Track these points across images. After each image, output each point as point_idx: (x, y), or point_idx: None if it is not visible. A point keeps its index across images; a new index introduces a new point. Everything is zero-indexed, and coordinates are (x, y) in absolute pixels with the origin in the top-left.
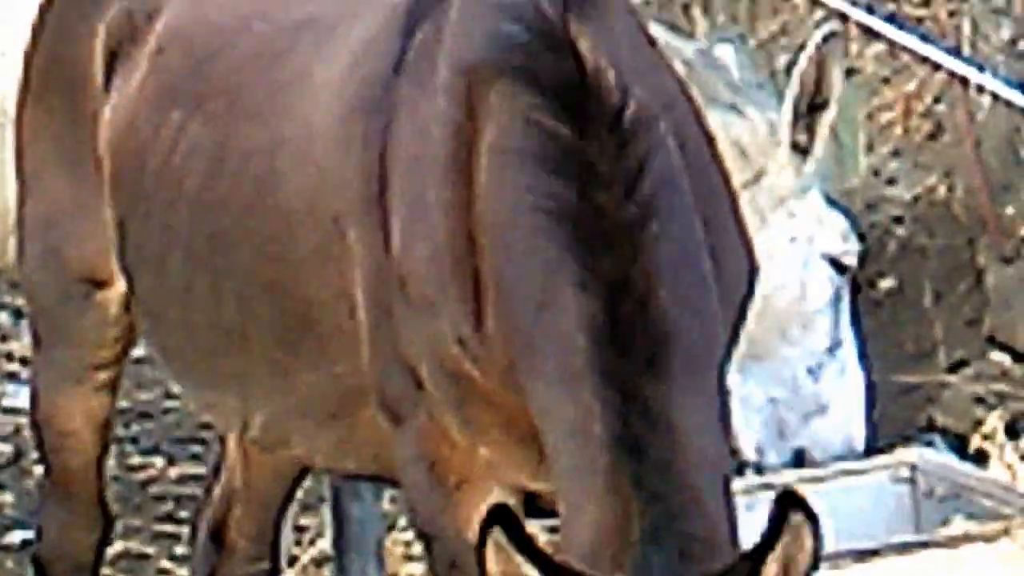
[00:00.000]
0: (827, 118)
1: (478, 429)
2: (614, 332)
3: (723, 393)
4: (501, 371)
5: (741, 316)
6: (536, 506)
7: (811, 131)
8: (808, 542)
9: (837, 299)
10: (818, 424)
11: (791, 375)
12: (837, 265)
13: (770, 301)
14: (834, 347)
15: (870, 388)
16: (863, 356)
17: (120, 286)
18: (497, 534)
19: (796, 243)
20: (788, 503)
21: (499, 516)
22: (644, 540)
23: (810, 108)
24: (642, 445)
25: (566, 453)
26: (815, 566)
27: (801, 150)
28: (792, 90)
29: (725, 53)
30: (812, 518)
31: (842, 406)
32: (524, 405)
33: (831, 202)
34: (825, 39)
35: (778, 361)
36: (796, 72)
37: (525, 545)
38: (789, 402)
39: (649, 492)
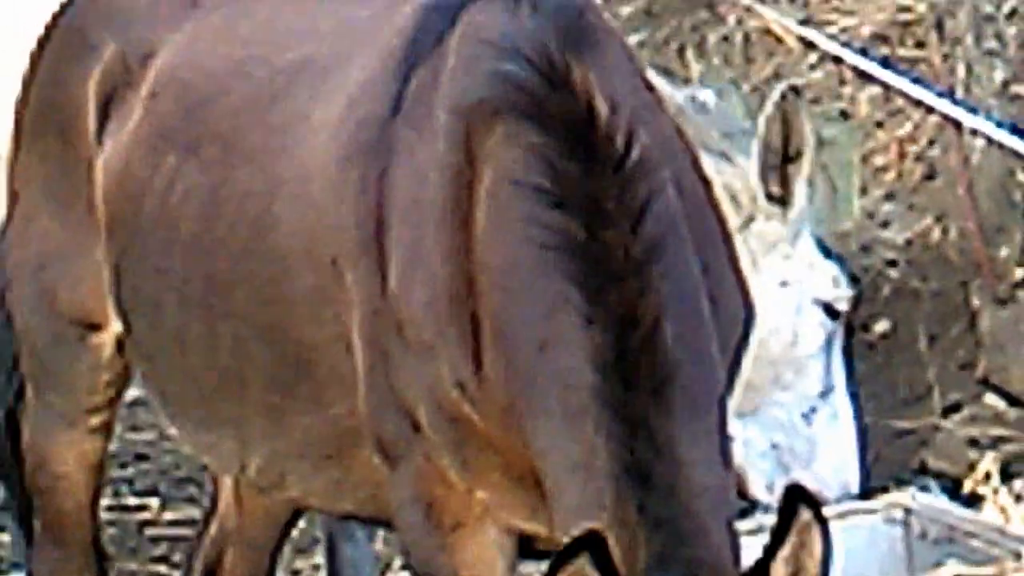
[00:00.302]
0: (802, 169)
1: (476, 471)
2: (621, 366)
3: (723, 429)
4: (500, 413)
5: (737, 358)
6: (532, 548)
7: (785, 183)
8: (817, 547)
9: (829, 344)
10: (814, 468)
11: (788, 420)
12: (829, 310)
13: (763, 346)
14: (826, 392)
15: (862, 432)
16: (855, 399)
17: (113, 329)
18: (584, 562)
19: (788, 288)
20: (797, 498)
21: (589, 544)
22: (651, 567)
23: (785, 159)
24: (648, 474)
25: (569, 490)
26: (827, 573)
27: (779, 200)
28: (758, 147)
29: (711, 99)
30: (821, 519)
31: (835, 450)
32: (522, 447)
33: (822, 247)
34: (783, 95)
35: (773, 406)
36: (759, 129)
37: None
38: (787, 446)
39: (654, 519)
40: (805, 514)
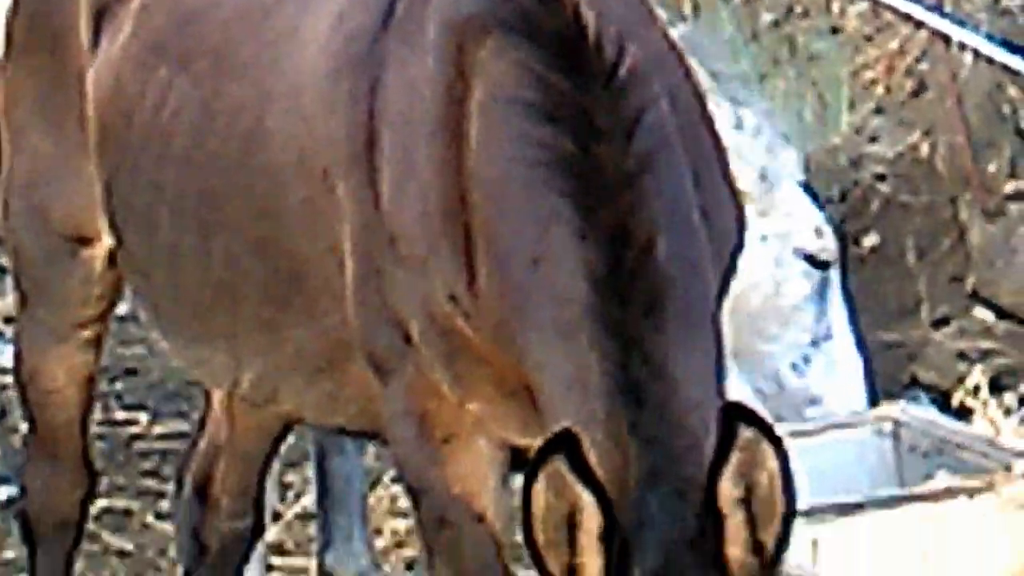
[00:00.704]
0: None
1: (468, 384)
2: (614, 282)
3: (718, 343)
4: (493, 327)
5: (729, 271)
6: (524, 461)
7: None
8: (771, 462)
9: (821, 293)
10: (813, 414)
11: (774, 371)
12: (813, 261)
13: (743, 299)
14: (819, 341)
15: (870, 376)
16: (861, 346)
17: (105, 244)
18: (559, 462)
19: (768, 241)
20: (736, 418)
21: (563, 443)
22: (643, 484)
23: None
24: (641, 392)
25: (563, 406)
26: (788, 489)
27: None
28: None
29: (699, 38)
30: (769, 434)
31: (837, 397)
32: (515, 361)
33: (810, 192)
34: None
35: (756, 357)
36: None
37: (587, 474)
38: (776, 396)
39: (647, 437)
40: (746, 431)
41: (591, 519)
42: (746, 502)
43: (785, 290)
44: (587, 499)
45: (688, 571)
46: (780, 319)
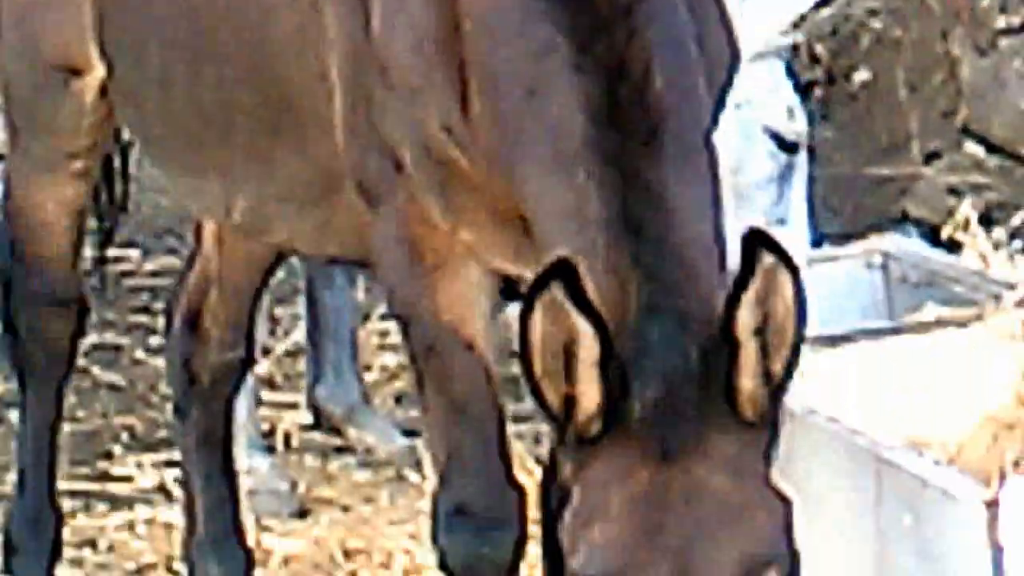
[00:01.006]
0: None
1: (460, 211)
2: (612, 114)
3: (714, 176)
4: (488, 158)
5: (721, 100)
6: (515, 291)
7: None
8: (787, 289)
9: (784, 177)
10: None
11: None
12: (780, 142)
13: None
14: (774, 224)
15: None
16: (817, 244)
17: (96, 74)
18: (556, 290)
19: (740, 111)
20: (758, 243)
21: (561, 271)
22: (642, 314)
23: None
24: (640, 223)
25: (560, 236)
26: (801, 318)
27: None
28: None
29: None
30: (787, 262)
31: None
32: (508, 190)
33: (791, 73)
34: None
35: None
36: None
37: (584, 303)
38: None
39: (647, 268)
40: (768, 257)
41: (588, 348)
42: (760, 331)
43: (747, 166)
44: (584, 328)
45: (689, 403)
46: (738, 195)
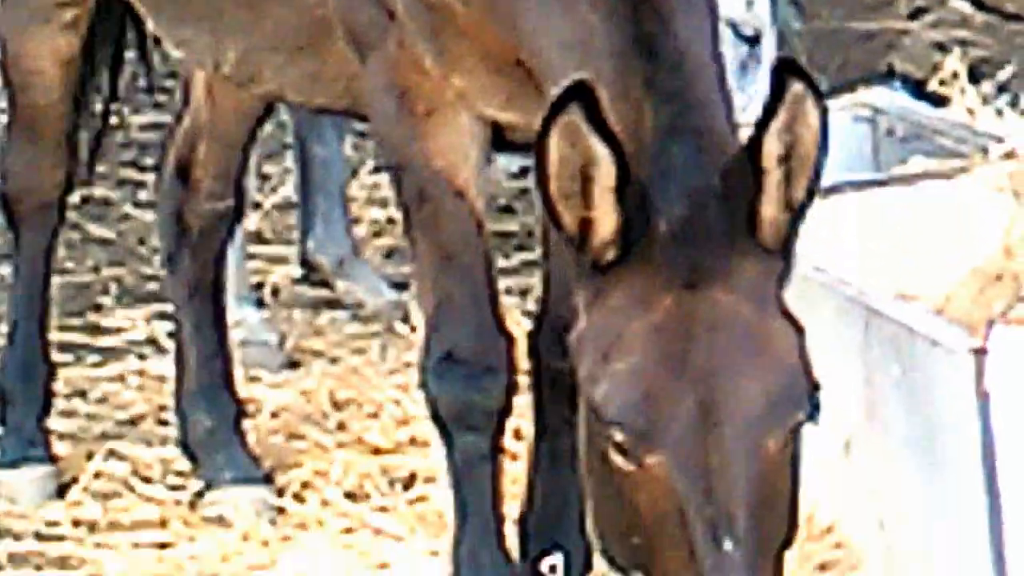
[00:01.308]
0: None
1: (453, 58)
2: None
3: (712, 8)
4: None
5: None
6: (506, 142)
7: None
8: (813, 117)
9: (745, 67)
10: None
11: None
12: (739, 34)
13: None
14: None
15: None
16: None
17: None
18: (574, 112)
19: None
20: (787, 71)
21: (579, 94)
22: (662, 136)
23: None
24: (654, 48)
25: (565, 69)
26: (824, 147)
27: None
28: None
29: None
30: (814, 90)
31: None
32: (505, 32)
33: None
34: None
35: None
36: None
37: (603, 126)
38: None
39: (662, 91)
40: (797, 85)
41: (606, 172)
42: (784, 159)
43: None
44: (602, 151)
45: (714, 225)
46: None
